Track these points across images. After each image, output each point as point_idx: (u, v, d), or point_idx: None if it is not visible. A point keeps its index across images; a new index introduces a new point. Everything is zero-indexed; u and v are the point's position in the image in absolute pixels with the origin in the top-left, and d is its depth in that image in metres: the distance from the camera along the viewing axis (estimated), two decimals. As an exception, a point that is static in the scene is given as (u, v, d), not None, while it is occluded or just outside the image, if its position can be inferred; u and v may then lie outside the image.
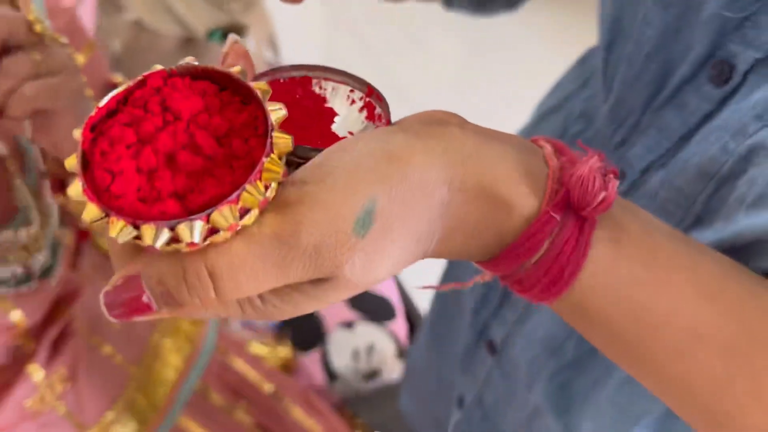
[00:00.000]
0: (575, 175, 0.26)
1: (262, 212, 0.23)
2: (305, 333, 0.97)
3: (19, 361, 0.65)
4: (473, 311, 0.58)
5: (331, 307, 1.02)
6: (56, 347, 0.68)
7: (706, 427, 0.30)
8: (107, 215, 0.22)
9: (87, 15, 0.85)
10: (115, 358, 0.73)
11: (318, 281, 0.25)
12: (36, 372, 0.66)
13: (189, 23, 1.22)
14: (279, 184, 0.24)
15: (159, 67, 0.25)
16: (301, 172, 0.25)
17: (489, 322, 0.56)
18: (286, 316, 0.27)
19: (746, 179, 0.33)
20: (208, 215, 0.22)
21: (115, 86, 0.25)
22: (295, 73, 0.31)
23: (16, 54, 0.47)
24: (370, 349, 0.96)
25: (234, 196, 0.22)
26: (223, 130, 0.24)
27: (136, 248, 0.25)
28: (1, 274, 0.60)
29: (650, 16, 0.39)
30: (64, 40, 0.52)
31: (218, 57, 0.29)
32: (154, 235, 0.22)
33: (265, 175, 0.23)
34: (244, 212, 0.23)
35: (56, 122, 0.51)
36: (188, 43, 1.24)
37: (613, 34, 0.44)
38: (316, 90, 0.31)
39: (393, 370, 0.97)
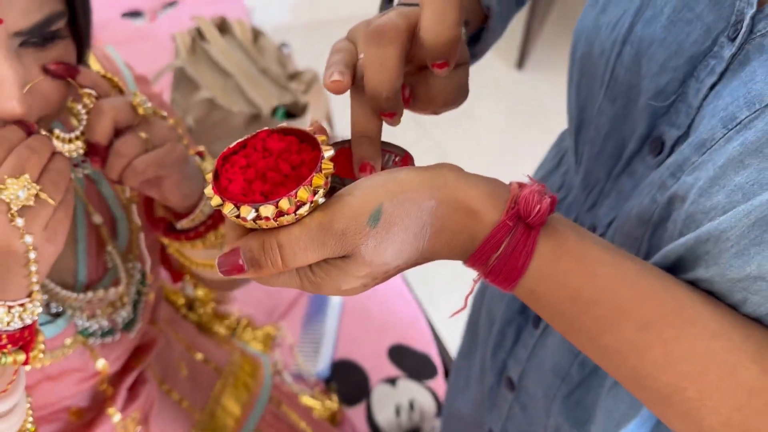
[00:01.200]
0: (521, 195, 0.37)
1: (312, 210, 0.37)
2: (351, 387, 1.03)
3: (100, 404, 0.72)
4: (492, 354, 0.67)
5: (375, 364, 1.07)
6: (132, 393, 0.75)
7: (633, 387, 0.40)
8: (224, 202, 0.37)
9: (163, 95, 0.95)
10: (182, 403, 0.80)
11: (344, 257, 0.38)
12: (114, 414, 0.72)
13: (257, 102, 1.33)
14: (324, 194, 0.37)
15: (266, 128, 0.40)
16: (341, 190, 0.38)
17: (506, 362, 0.65)
18: (327, 288, 0.40)
19: (671, 221, 0.43)
20: (277, 202, 0.36)
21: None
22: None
23: (126, 134, 0.55)
24: (412, 406, 1.01)
25: (293, 192, 0.36)
26: (296, 162, 0.39)
27: (240, 233, 0.39)
28: (91, 327, 0.68)
29: (603, 108, 0.51)
30: (164, 113, 0.59)
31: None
32: (248, 212, 0.36)
33: (314, 182, 0.37)
34: (300, 205, 0.36)
35: (165, 182, 0.59)
36: (254, 119, 1.35)
37: (579, 120, 0.55)
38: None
39: (432, 428, 1.01)
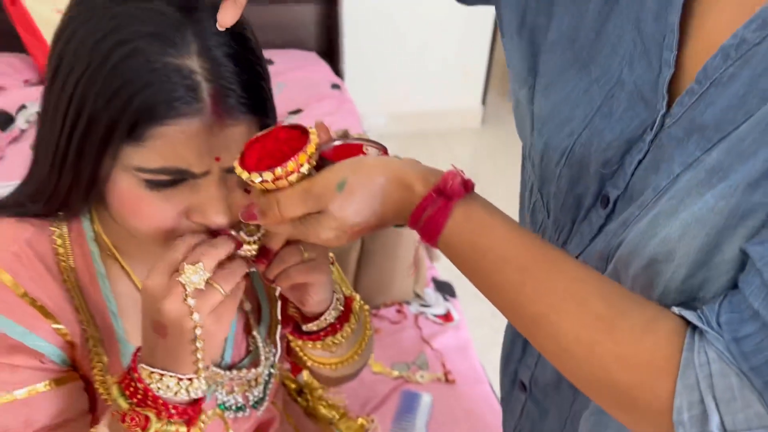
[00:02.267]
0: (443, 177, 0.52)
1: (300, 179, 0.53)
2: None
3: (226, 472, 0.80)
4: (503, 365, 0.80)
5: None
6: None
7: (512, 317, 0.53)
8: (243, 171, 0.54)
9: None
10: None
11: (320, 212, 0.53)
12: (236, 481, 0.80)
13: None
14: (310, 169, 0.54)
15: (279, 124, 0.58)
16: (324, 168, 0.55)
17: (517, 370, 0.80)
18: (310, 235, 0.55)
19: (620, 259, 0.56)
20: (273, 170, 0.53)
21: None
22: (358, 140, 0.61)
23: (291, 246, 0.66)
24: None
25: (285, 164, 0.53)
26: (295, 147, 0.54)
27: (257, 194, 0.56)
28: (228, 402, 0.77)
29: (563, 172, 0.64)
30: None
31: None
32: (256, 177, 0.53)
33: (300, 158, 0.53)
34: (289, 174, 0.53)
35: (307, 289, 0.69)
36: None
37: (541, 181, 0.68)
38: (366, 149, 0.60)
39: None
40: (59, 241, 0.67)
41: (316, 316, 0.73)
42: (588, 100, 0.60)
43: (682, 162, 0.51)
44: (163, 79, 0.54)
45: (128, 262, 0.71)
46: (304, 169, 0.53)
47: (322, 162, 0.56)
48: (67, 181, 0.61)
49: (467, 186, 0.53)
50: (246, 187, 0.62)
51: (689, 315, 0.47)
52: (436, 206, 0.52)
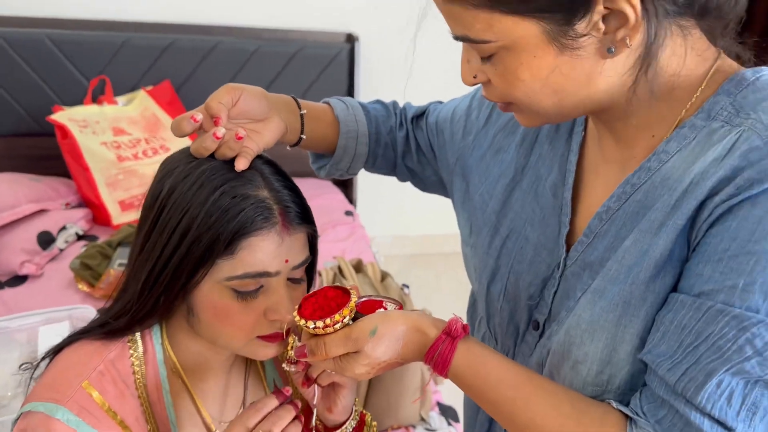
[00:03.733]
0: (448, 323, 0.70)
1: (343, 327, 0.71)
2: None
3: None
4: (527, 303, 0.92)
5: None
6: None
7: (505, 423, 0.70)
8: (301, 319, 0.73)
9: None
10: None
11: (356, 353, 0.70)
12: None
13: None
14: (350, 320, 0.72)
15: (327, 285, 0.78)
16: (360, 318, 0.72)
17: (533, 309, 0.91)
18: (347, 371, 0.71)
19: (555, 368, 0.75)
20: (324, 321, 0.71)
21: None
22: (378, 298, 0.80)
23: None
24: None
25: (332, 316, 0.71)
26: (340, 302, 0.73)
27: (308, 337, 0.73)
28: None
29: (503, 306, 0.84)
30: None
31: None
32: (312, 324, 0.72)
33: (344, 311, 0.71)
34: (336, 323, 0.70)
35: (339, 391, 0.83)
36: None
37: (488, 316, 0.88)
38: (385, 304, 0.79)
39: None
40: (136, 363, 0.82)
41: (338, 426, 0.86)
42: (506, 252, 0.83)
43: (580, 288, 0.73)
44: (250, 206, 0.74)
45: (189, 378, 0.85)
46: (346, 320, 0.71)
47: (355, 314, 0.74)
48: (154, 299, 0.77)
49: (465, 329, 0.71)
50: (298, 330, 0.80)
51: (625, 409, 0.66)
52: (444, 345, 0.69)
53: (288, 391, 0.77)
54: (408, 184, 1.09)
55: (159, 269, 0.76)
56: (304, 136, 0.92)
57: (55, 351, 0.82)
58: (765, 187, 0.58)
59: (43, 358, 0.83)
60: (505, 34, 0.61)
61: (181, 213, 0.74)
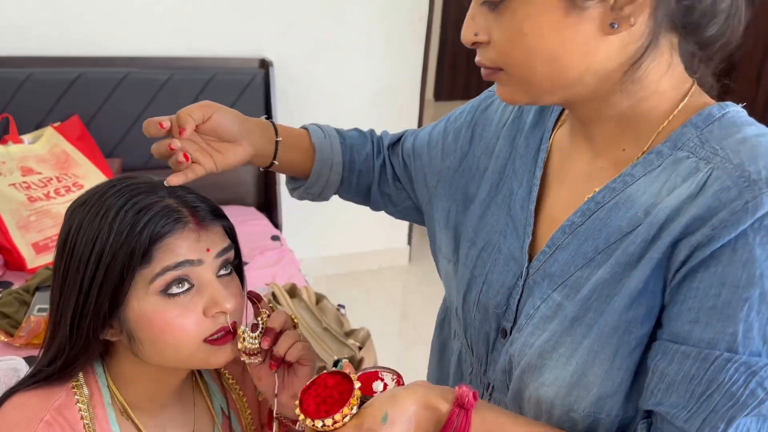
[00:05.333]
0: (457, 394, 0.67)
1: (351, 418, 0.67)
2: None
3: None
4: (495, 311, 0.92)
5: None
6: None
7: None
8: (306, 418, 0.69)
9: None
10: None
11: None
12: None
13: (322, 356, 1.60)
14: (356, 407, 0.68)
15: (325, 371, 0.74)
16: (366, 403, 0.68)
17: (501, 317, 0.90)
18: None
19: (518, 371, 0.77)
20: (333, 416, 0.67)
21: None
22: (373, 369, 0.77)
23: (290, 330, 0.83)
24: None
25: (341, 410, 0.67)
26: (342, 390, 0.70)
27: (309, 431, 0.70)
28: None
29: (476, 315, 0.86)
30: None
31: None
32: (319, 423, 0.67)
33: (351, 402, 0.67)
34: (345, 416, 0.67)
35: (300, 375, 0.82)
36: (320, 371, 1.60)
37: (464, 327, 0.89)
38: (381, 375, 0.76)
39: None
40: (83, 408, 0.80)
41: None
42: (481, 263, 0.86)
43: (540, 297, 0.76)
44: (158, 213, 0.76)
45: (139, 416, 0.84)
46: (354, 410, 0.69)
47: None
48: (85, 331, 0.76)
49: (475, 396, 0.69)
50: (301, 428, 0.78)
51: None
52: (460, 420, 0.68)
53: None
54: (331, 204, 1.11)
55: (83, 301, 0.75)
56: (276, 162, 0.96)
57: (-6, 408, 0.79)
58: (741, 229, 0.60)
59: (-19, 418, 0.79)
60: None
61: (92, 241, 0.75)
